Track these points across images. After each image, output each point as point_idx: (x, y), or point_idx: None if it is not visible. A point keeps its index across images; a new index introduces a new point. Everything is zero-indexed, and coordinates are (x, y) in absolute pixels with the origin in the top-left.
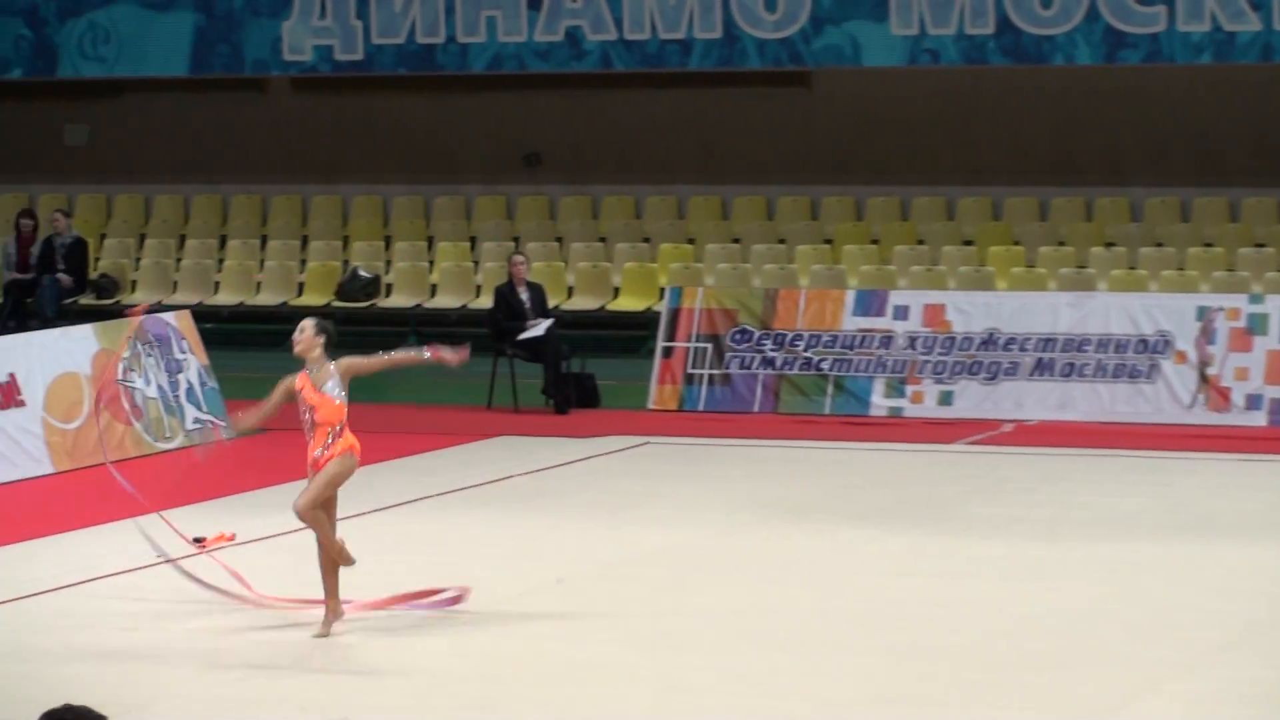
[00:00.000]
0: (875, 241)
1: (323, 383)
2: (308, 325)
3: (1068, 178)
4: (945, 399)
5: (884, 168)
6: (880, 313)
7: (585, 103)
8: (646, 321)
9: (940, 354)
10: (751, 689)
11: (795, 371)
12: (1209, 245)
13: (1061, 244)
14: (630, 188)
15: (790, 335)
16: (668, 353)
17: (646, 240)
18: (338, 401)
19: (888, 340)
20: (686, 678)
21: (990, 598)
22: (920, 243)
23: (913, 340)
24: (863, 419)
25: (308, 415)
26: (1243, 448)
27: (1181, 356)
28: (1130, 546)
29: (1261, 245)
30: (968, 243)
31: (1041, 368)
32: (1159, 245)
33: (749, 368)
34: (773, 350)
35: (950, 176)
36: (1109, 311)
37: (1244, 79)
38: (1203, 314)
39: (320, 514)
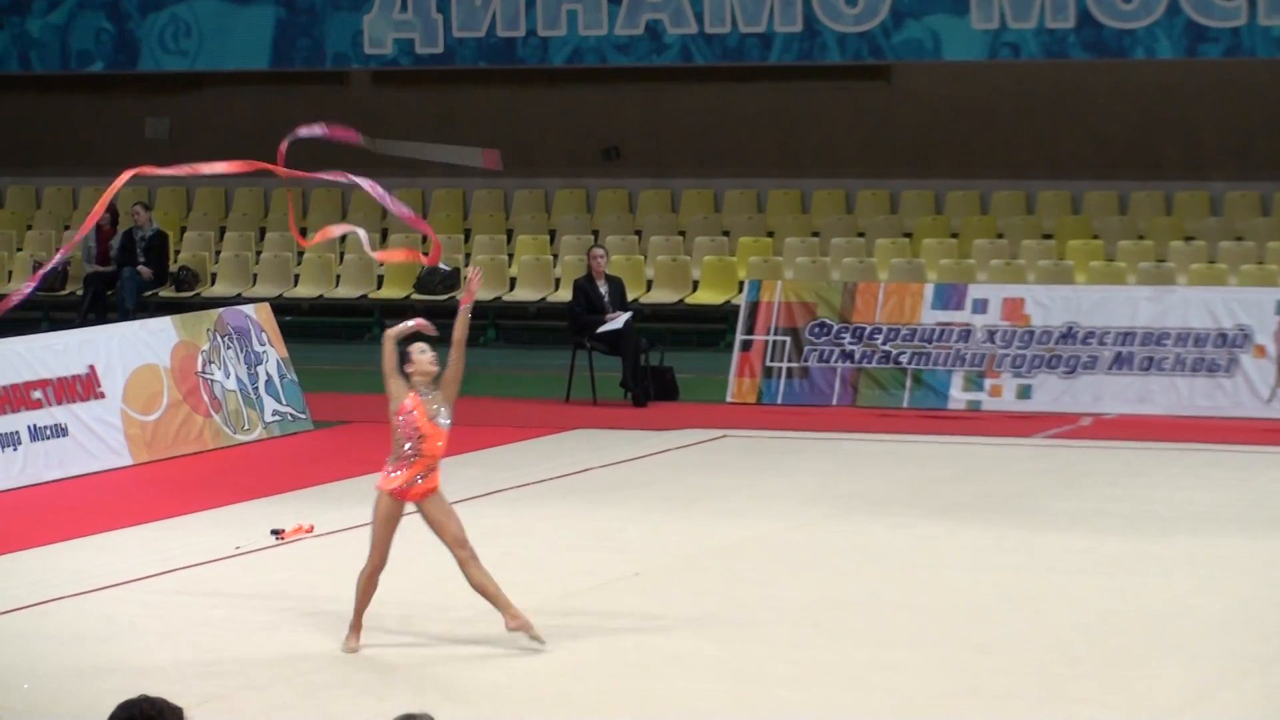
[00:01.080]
0: (954, 235)
1: (436, 411)
2: (428, 347)
3: (1147, 171)
4: (1024, 393)
5: (963, 161)
6: (959, 306)
7: (665, 96)
8: (725, 315)
9: (1019, 348)
10: (830, 683)
11: (873, 365)
12: None
13: (1141, 238)
14: (709, 181)
15: (869, 329)
16: (746, 346)
17: (725, 233)
18: (446, 430)
19: (966, 334)
20: (764, 670)
21: (1070, 592)
22: (999, 236)
23: (991, 334)
24: (941, 412)
25: (413, 442)
26: None
27: (1260, 350)
28: (1209, 541)
29: None
30: (1047, 236)
31: (1120, 362)
32: (1238, 239)
33: (827, 361)
34: (851, 344)
35: (1029, 170)
36: (1188, 305)
37: None
38: None
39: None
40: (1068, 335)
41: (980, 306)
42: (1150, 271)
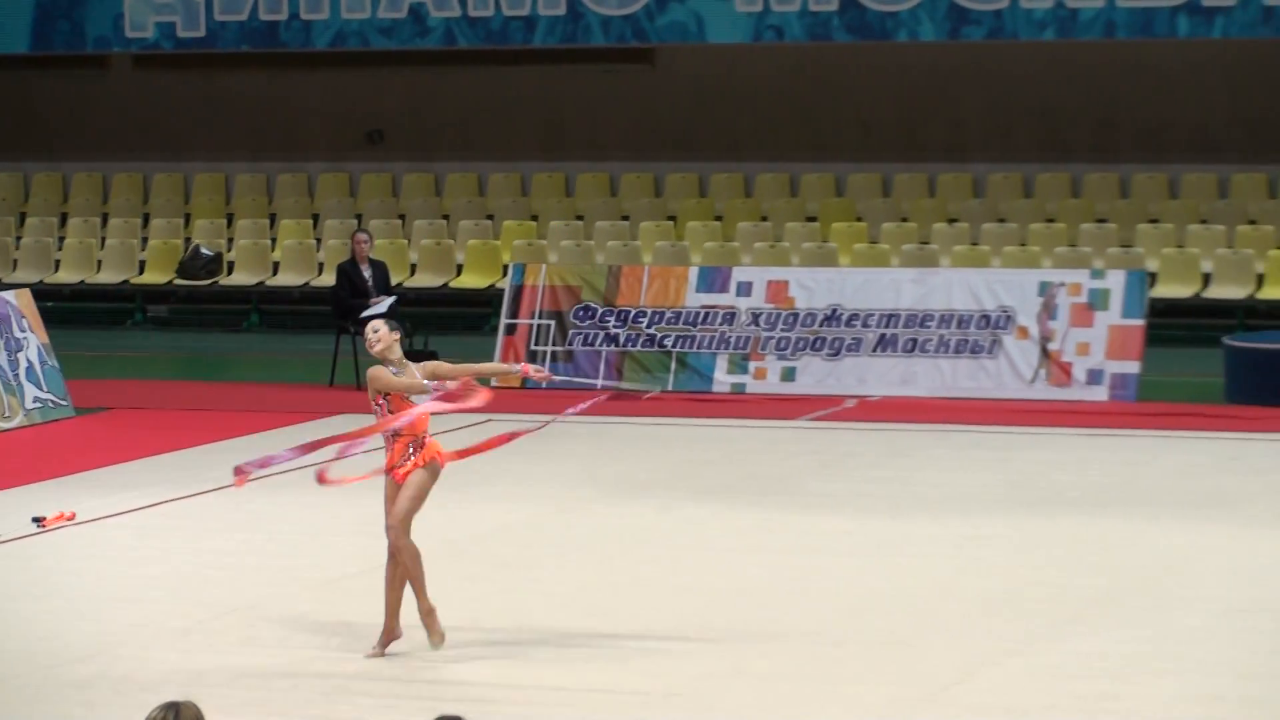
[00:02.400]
0: (719, 218)
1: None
2: (380, 325)
3: (911, 154)
4: (788, 375)
5: (728, 144)
6: (723, 289)
7: (428, 80)
8: (489, 299)
9: (783, 330)
10: (596, 665)
11: (638, 348)
12: (1051, 221)
13: (904, 220)
14: (473, 165)
15: (633, 312)
16: (511, 330)
17: (490, 217)
18: (423, 410)
19: (731, 317)
20: (529, 653)
21: (835, 573)
22: (764, 219)
23: (756, 316)
24: (706, 395)
25: (390, 433)
26: (1084, 422)
27: (1023, 332)
28: (974, 521)
29: (1103, 220)
30: (811, 219)
31: (884, 344)
32: (1001, 221)
33: (592, 344)
34: (616, 327)
35: (794, 153)
36: (951, 287)
37: (1086, 55)
38: (1044, 289)
39: (411, 541)
40: (832, 318)
41: (744, 289)
42: (913, 253)
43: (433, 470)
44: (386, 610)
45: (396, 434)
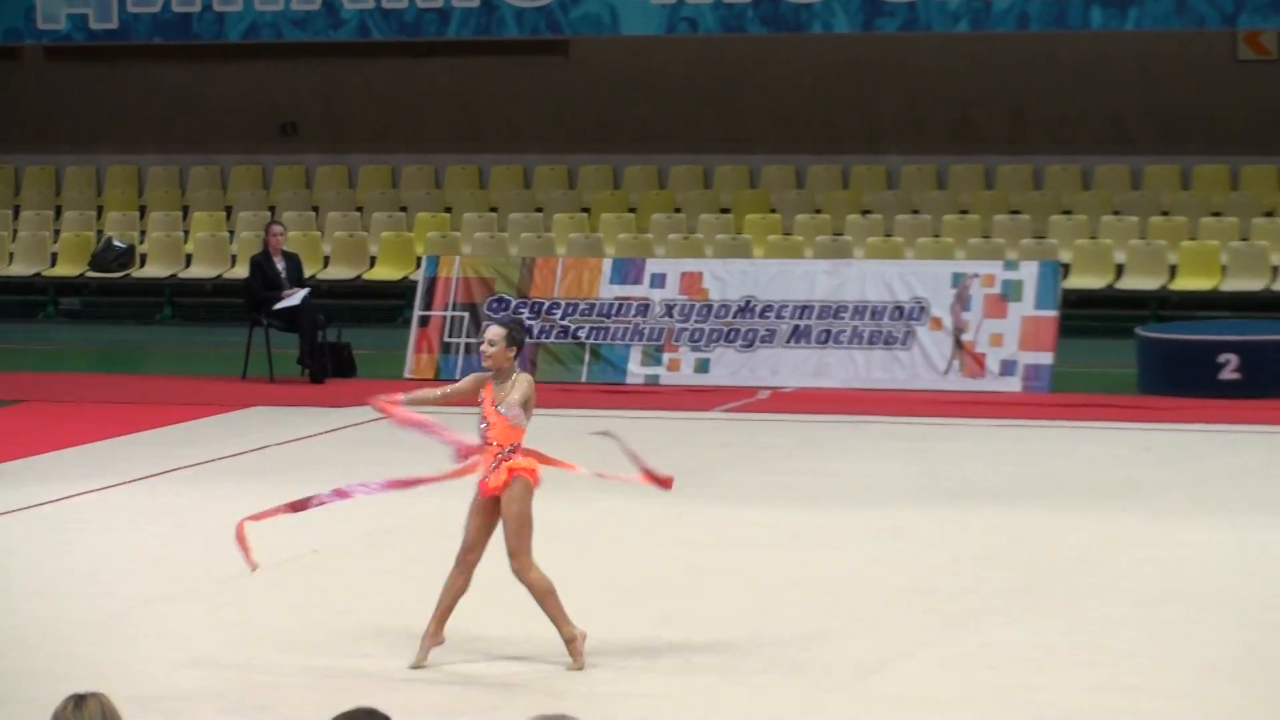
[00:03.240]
0: (632, 210)
1: (503, 399)
2: (498, 337)
3: (825, 146)
4: (702, 366)
5: (642, 136)
6: (637, 281)
7: (342, 72)
8: (403, 291)
9: (697, 322)
10: (509, 657)
11: (552, 340)
12: (964, 212)
13: (818, 212)
14: (387, 157)
15: (547, 304)
16: (424, 322)
17: (403, 209)
18: (513, 424)
19: (644, 308)
20: (442, 646)
21: (750, 564)
22: (677, 210)
23: (669, 308)
24: (620, 387)
25: (482, 428)
26: (998, 413)
27: (937, 323)
28: (888, 512)
29: (1016, 212)
30: (724, 210)
31: (798, 335)
32: (915, 213)
33: None
34: (530, 318)
35: (708, 145)
36: (865, 279)
37: (1000, 47)
38: (958, 280)
39: (539, 574)
40: (745, 309)
41: (658, 281)
42: (827, 245)
43: (525, 489)
44: (434, 615)
45: (486, 441)
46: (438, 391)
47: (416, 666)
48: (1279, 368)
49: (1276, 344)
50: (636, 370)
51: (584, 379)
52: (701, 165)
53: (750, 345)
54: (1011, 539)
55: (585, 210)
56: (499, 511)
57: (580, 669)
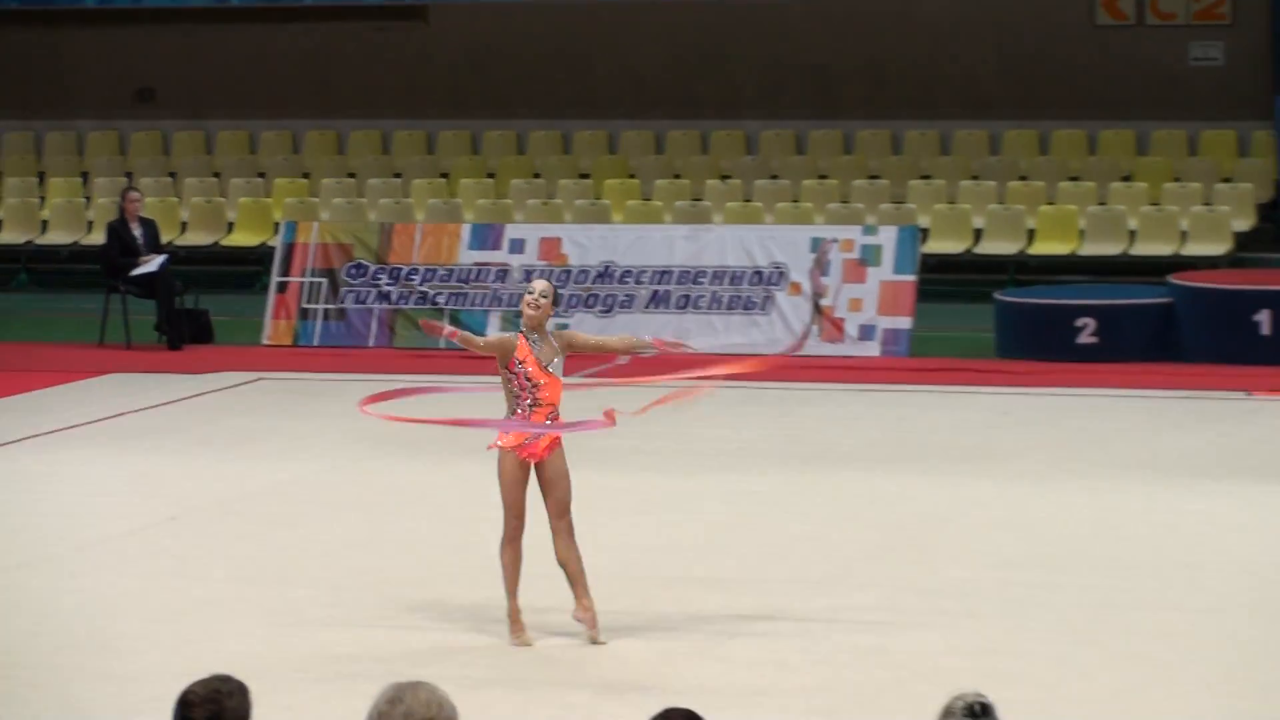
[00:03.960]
0: (491, 175)
1: (549, 359)
2: (546, 288)
3: (684, 111)
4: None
5: (501, 102)
6: (496, 246)
7: (200, 37)
8: (261, 257)
9: (557, 287)
10: (362, 622)
11: (411, 306)
12: (823, 178)
13: (677, 177)
14: (245, 123)
15: (406, 269)
16: (282, 288)
17: (261, 175)
18: (560, 379)
19: (503, 274)
20: (301, 612)
21: (611, 530)
22: (536, 176)
23: (529, 274)
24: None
25: (530, 392)
26: (857, 378)
27: (796, 288)
28: (747, 477)
29: (875, 177)
30: (584, 176)
31: (657, 300)
32: (774, 178)
33: (364, 302)
34: (388, 285)
35: (567, 110)
36: (724, 244)
37: (859, 12)
38: (817, 246)
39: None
40: (604, 274)
41: (517, 246)
42: (686, 210)
43: (558, 458)
44: (511, 595)
45: (537, 401)
46: (480, 340)
47: (522, 645)
48: (1136, 331)
49: (1133, 308)
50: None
51: (443, 345)
52: (560, 131)
53: (609, 310)
54: (870, 502)
55: (444, 176)
56: (530, 474)
57: (596, 640)
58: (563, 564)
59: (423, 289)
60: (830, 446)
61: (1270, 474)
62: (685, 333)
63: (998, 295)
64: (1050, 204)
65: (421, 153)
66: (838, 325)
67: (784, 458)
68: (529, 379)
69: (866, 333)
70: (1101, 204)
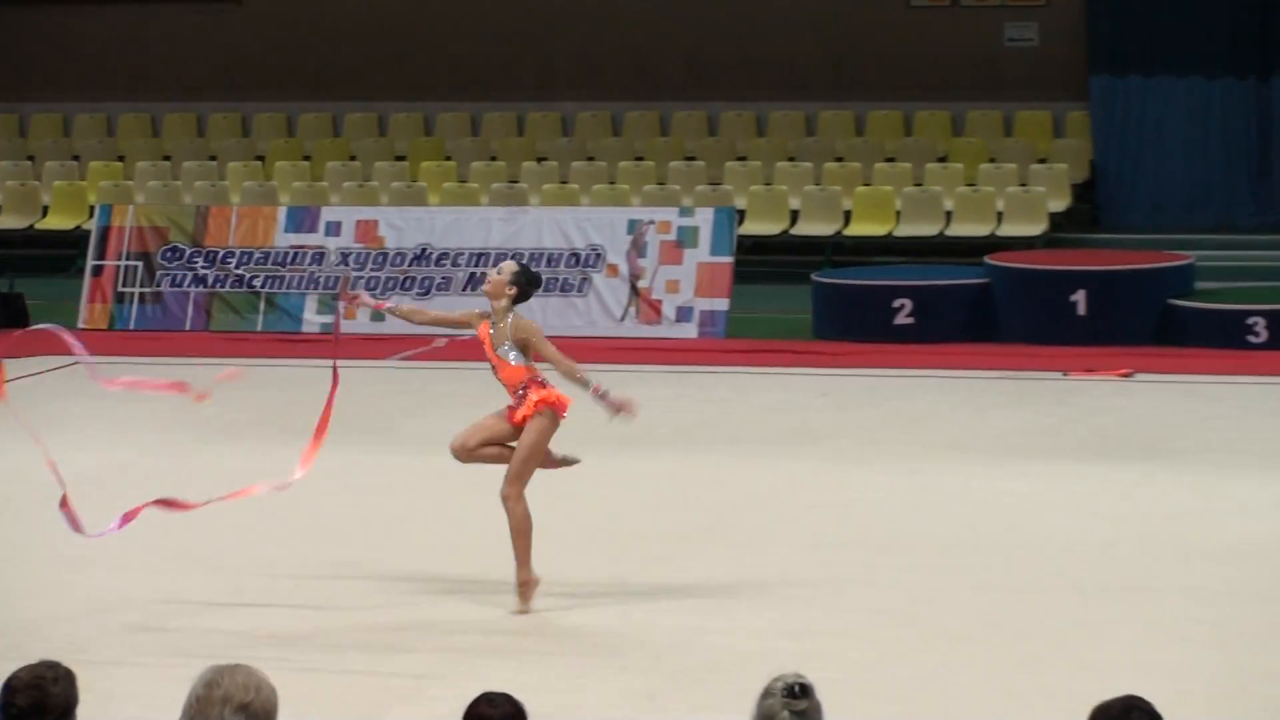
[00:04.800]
0: (307, 158)
1: (500, 343)
2: (506, 269)
3: (500, 92)
4: (378, 315)
5: (316, 84)
6: (313, 229)
7: (14, 18)
8: (76, 240)
9: (373, 270)
10: (193, 610)
11: (227, 289)
12: (640, 159)
13: (493, 159)
14: (59, 105)
15: (222, 252)
16: (98, 271)
17: (76, 158)
18: (514, 364)
19: (320, 257)
20: (129, 595)
21: (428, 513)
22: (352, 158)
23: (345, 256)
24: (296, 335)
25: (492, 370)
26: (674, 360)
27: (613, 270)
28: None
29: (691, 159)
30: (400, 158)
31: (475, 282)
32: (590, 160)
33: (180, 286)
34: (204, 268)
35: (382, 92)
36: (541, 226)
37: None
38: (634, 227)
39: (524, 506)
40: (421, 257)
41: (334, 229)
42: (503, 192)
43: (550, 421)
44: (518, 561)
45: (499, 379)
46: (431, 312)
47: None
48: (953, 312)
49: (950, 288)
50: (312, 319)
51: (260, 328)
52: (376, 113)
53: (427, 293)
54: (688, 484)
55: (260, 159)
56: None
57: (525, 613)
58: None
59: (239, 272)
60: (648, 428)
61: (1087, 453)
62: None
63: (815, 276)
64: (866, 185)
65: (237, 135)
66: (655, 307)
67: (601, 439)
68: (488, 359)
69: (684, 314)
70: (918, 185)
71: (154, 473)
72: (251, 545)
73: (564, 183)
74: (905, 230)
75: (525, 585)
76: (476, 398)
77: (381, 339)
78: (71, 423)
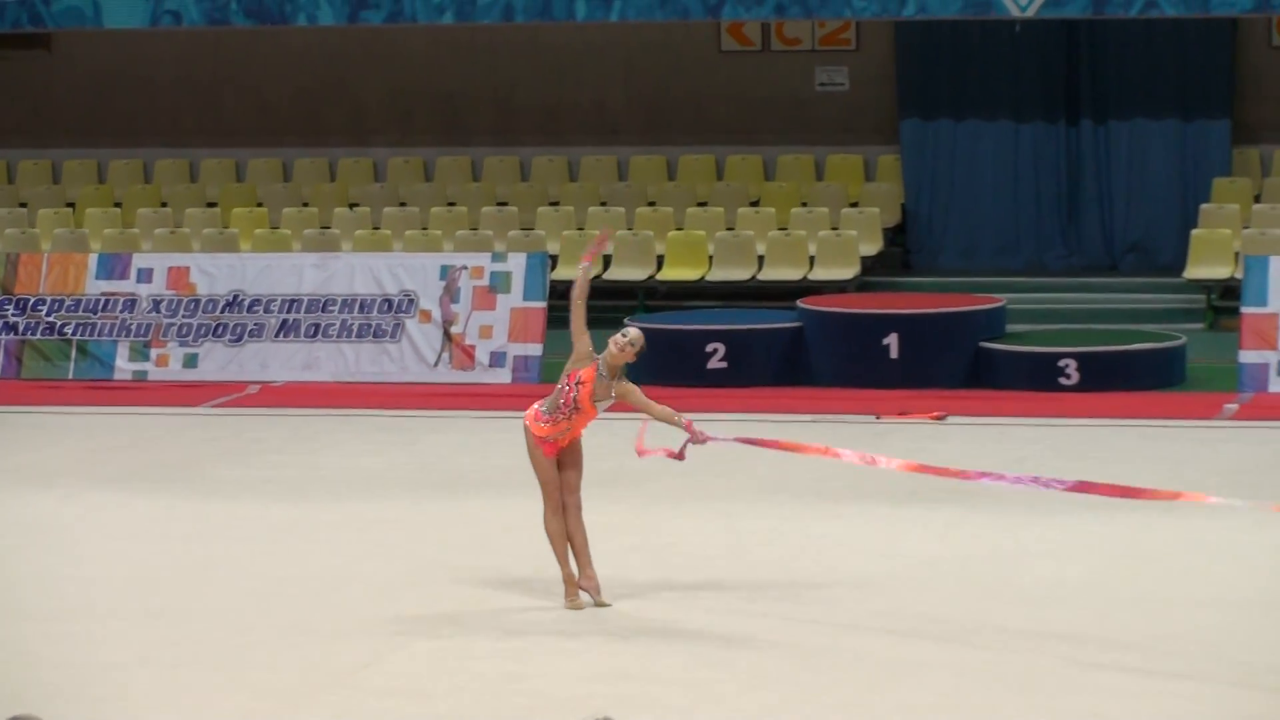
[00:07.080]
0: (118, 204)
1: (601, 397)
2: (637, 338)
3: (311, 139)
4: (190, 361)
5: (127, 130)
6: (124, 276)
7: None
8: None
9: (185, 316)
10: (3, 660)
11: (38, 336)
12: (452, 205)
13: (305, 205)
14: None
15: (33, 300)
16: None
17: None
18: (596, 416)
19: (131, 303)
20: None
21: (241, 559)
22: (164, 205)
23: (157, 303)
24: (107, 383)
25: (569, 410)
26: (488, 405)
27: (426, 315)
28: (378, 505)
29: (503, 204)
30: (211, 204)
31: (286, 329)
32: (402, 205)
33: None
34: (15, 315)
35: (193, 139)
36: (353, 272)
37: (485, 40)
38: (446, 273)
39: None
40: (233, 303)
41: (145, 276)
42: (315, 238)
43: (574, 447)
44: (560, 561)
45: (569, 419)
46: (582, 313)
47: (574, 608)
48: (766, 356)
49: (763, 333)
50: (124, 366)
51: (71, 375)
52: (187, 160)
53: (239, 340)
54: (504, 530)
55: (70, 205)
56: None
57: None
58: (570, 536)
59: (50, 319)
60: (463, 474)
61: (900, 495)
62: (315, 361)
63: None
64: (679, 229)
65: (47, 182)
66: (468, 352)
67: (416, 486)
68: (575, 400)
69: (497, 359)
70: (730, 229)
71: None
72: (65, 588)
73: (376, 228)
74: (718, 275)
75: (590, 587)
76: (285, 444)
77: (193, 386)
78: None
